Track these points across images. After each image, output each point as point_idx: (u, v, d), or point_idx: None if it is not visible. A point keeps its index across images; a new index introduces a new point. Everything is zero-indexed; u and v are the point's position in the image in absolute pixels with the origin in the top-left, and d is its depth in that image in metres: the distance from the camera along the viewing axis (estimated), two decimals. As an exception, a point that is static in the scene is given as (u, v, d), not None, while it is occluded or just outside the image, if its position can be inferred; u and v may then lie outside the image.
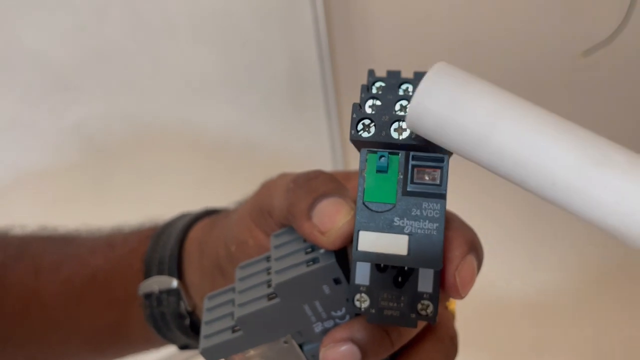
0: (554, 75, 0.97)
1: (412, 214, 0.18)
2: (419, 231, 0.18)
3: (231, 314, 0.24)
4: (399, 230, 0.18)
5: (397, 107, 0.19)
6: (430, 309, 0.20)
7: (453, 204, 0.24)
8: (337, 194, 0.22)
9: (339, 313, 0.23)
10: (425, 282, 0.20)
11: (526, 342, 1.00)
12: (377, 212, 0.19)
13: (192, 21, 0.65)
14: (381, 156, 0.19)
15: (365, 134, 0.19)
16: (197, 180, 0.67)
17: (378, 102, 0.19)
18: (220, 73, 0.68)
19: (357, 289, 0.20)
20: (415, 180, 0.19)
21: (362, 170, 0.19)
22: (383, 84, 0.20)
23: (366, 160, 0.19)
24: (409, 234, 0.18)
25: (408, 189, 0.18)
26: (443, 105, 0.17)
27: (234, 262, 0.27)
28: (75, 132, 0.60)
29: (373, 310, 0.20)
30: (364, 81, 0.20)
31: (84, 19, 0.59)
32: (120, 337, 0.35)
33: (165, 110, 0.65)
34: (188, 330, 0.32)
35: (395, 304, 0.20)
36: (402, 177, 0.19)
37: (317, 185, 0.23)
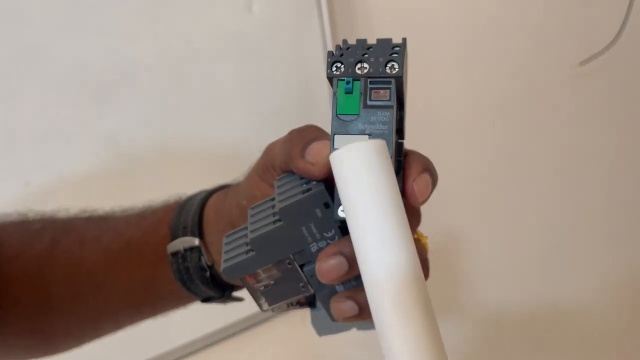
0: (552, 83, 1.01)
1: (371, 120, 0.25)
2: (375, 131, 0.25)
3: (245, 243, 0.30)
4: (362, 132, 0.25)
5: (361, 51, 0.27)
6: None
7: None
8: (324, 138, 0.29)
9: (330, 234, 0.29)
10: None
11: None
12: (346, 121, 0.25)
13: (211, 41, 0.71)
14: (347, 82, 0.26)
15: (337, 72, 0.26)
16: (214, 180, 0.73)
17: (346, 55, 0.27)
18: (235, 87, 0.74)
19: (339, 202, 0.26)
20: (372, 98, 0.25)
21: (334, 93, 0.26)
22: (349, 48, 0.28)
23: (337, 85, 0.26)
24: (369, 134, 0.25)
25: (367, 103, 0.25)
26: (352, 169, 0.24)
27: (246, 216, 0.32)
28: (107, 142, 0.67)
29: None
30: None
31: (117, 42, 0.66)
32: (152, 293, 0.40)
33: (186, 123, 0.72)
34: (209, 281, 0.38)
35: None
36: (362, 95, 0.25)
37: (307, 133, 0.30)
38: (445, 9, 0.89)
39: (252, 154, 0.77)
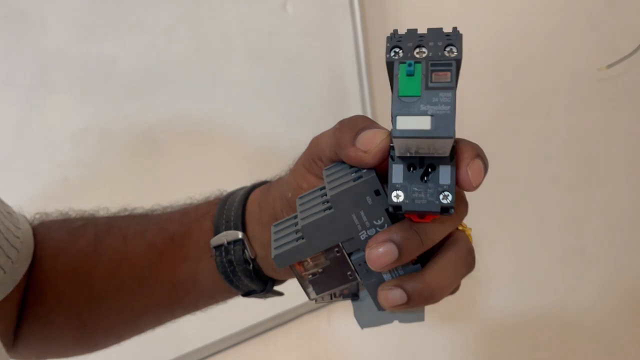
0: (579, 86, 1.01)
1: (433, 101, 0.25)
2: (437, 112, 0.25)
3: (295, 231, 0.30)
4: (424, 113, 0.25)
5: (417, 38, 0.27)
6: (449, 198, 0.26)
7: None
8: (375, 126, 0.29)
9: (379, 222, 0.29)
10: (445, 176, 0.27)
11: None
12: (408, 102, 0.25)
13: (246, 40, 0.72)
14: (409, 64, 0.25)
15: (396, 57, 0.26)
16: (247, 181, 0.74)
17: (404, 40, 0.27)
18: (269, 85, 0.75)
19: (394, 187, 0.26)
20: (433, 80, 0.25)
21: (396, 75, 0.26)
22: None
23: (399, 68, 0.26)
24: (431, 115, 0.25)
25: (429, 85, 0.25)
26: None
27: (292, 209, 0.32)
28: (145, 138, 0.68)
29: (407, 201, 0.26)
30: None
31: (155, 39, 0.67)
32: (194, 287, 0.40)
33: (221, 119, 0.72)
34: (251, 274, 0.38)
35: (423, 195, 0.26)
36: (424, 77, 0.25)
37: (357, 122, 0.30)
38: (475, 11, 0.90)
39: (285, 149, 0.78)
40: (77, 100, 0.65)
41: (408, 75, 0.25)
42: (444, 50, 0.26)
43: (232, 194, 0.40)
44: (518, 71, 0.95)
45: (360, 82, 0.80)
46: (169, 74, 0.68)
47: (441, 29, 0.27)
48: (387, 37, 0.27)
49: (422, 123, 0.25)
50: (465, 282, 0.31)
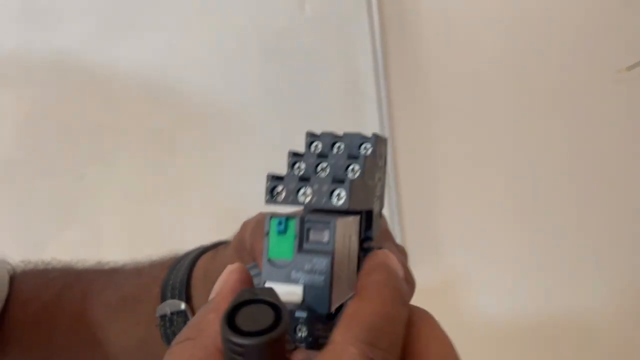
0: (598, 88, 1.00)
1: (305, 268, 0.21)
2: (310, 282, 0.21)
3: None
4: (296, 281, 0.21)
5: (314, 162, 0.24)
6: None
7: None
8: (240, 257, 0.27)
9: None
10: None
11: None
12: (278, 266, 0.21)
13: (262, 39, 0.72)
14: (280, 222, 0.21)
15: (277, 199, 0.22)
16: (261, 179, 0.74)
17: (287, 179, 0.23)
18: (284, 85, 0.75)
19: (297, 320, 0.22)
20: (309, 239, 0.21)
21: (266, 232, 0.22)
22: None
23: (269, 224, 0.22)
24: (304, 284, 0.21)
25: (301, 247, 0.21)
26: None
27: None
28: (161, 136, 0.69)
29: (310, 339, 0.22)
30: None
31: (171, 36, 0.67)
32: (145, 352, 0.38)
33: (237, 116, 0.73)
34: None
35: (327, 334, 0.21)
36: (297, 237, 0.21)
37: (245, 235, 0.28)
38: (493, 11, 0.89)
39: (299, 149, 0.77)
40: (93, 99, 0.65)
41: (279, 233, 0.22)
42: (331, 195, 0.21)
43: (184, 257, 0.39)
44: (533, 72, 0.94)
45: (377, 79, 0.80)
46: (184, 73, 0.68)
47: (358, 137, 0.24)
48: (267, 175, 0.23)
49: (294, 294, 0.21)
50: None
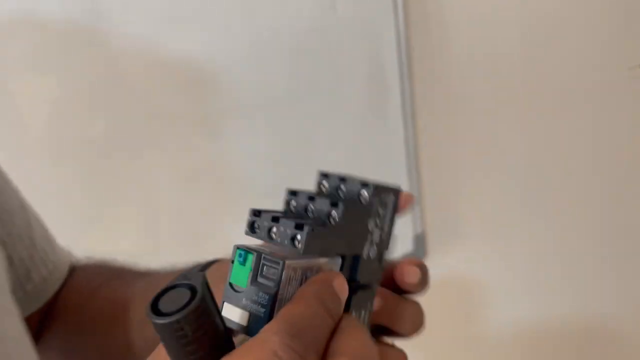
0: (610, 85, 0.99)
1: (253, 298, 0.24)
2: (255, 311, 0.24)
3: None
4: (244, 308, 0.24)
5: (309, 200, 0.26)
6: None
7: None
8: None
9: None
10: None
11: None
12: (235, 291, 0.24)
13: (297, 36, 0.76)
14: (240, 254, 0.24)
15: (256, 232, 0.25)
16: (280, 167, 0.78)
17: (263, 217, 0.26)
18: (312, 80, 0.79)
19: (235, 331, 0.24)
20: (262, 274, 0.24)
21: (232, 259, 0.24)
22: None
23: (234, 253, 0.24)
24: (249, 312, 0.24)
25: (255, 280, 0.24)
26: None
27: None
28: (202, 124, 0.74)
29: None
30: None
31: (209, 34, 0.71)
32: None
33: (263, 109, 0.77)
34: None
35: None
36: (252, 270, 0.24)
37: None
38: (512, 9, 0.91)
39: (324, 142, 0.81)
40: (135, 93, 0.70)
41: (240, 263, 0.24)
42: (293, 240, 0.24)
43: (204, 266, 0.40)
44: (546, 69, 0.95)
45: (401, 74, 0.83)
46: (221, 69, 0.72)
47: (360, 181, 0.27)
48: (250, 210, 0.25)
49: (242, 318, 0.24)
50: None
